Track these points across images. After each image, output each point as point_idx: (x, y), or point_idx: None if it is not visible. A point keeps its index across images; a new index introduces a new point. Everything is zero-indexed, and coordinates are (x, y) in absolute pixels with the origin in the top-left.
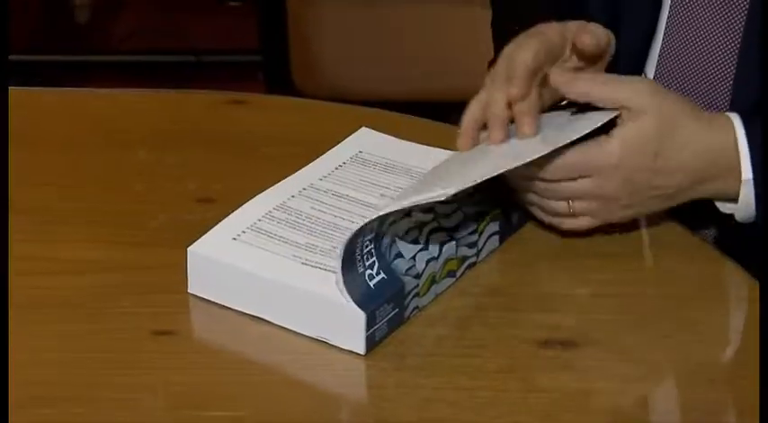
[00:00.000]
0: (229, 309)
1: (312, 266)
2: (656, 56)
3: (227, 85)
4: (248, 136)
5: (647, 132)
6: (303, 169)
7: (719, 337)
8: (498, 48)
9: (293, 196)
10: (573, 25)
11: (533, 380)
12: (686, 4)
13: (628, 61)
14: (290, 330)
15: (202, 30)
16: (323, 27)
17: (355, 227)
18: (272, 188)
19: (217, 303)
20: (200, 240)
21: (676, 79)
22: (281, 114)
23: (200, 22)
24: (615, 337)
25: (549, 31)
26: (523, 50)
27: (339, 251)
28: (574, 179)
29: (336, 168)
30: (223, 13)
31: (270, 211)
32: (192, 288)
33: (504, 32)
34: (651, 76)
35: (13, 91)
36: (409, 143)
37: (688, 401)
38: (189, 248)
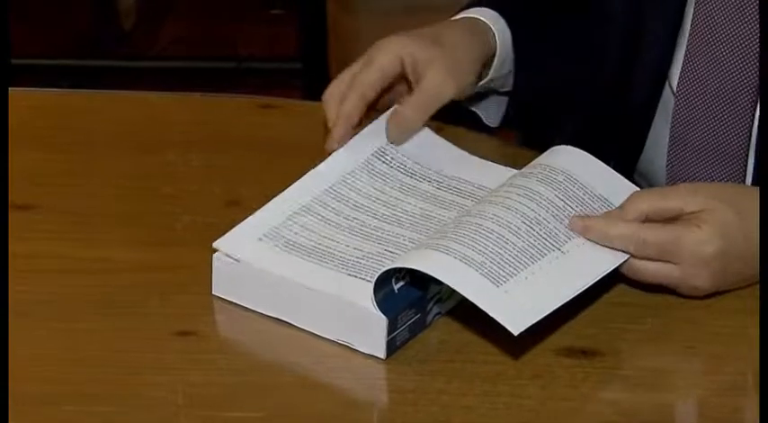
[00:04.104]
0: (252, 311)
1: (335, 271)
2: (680, 64)
3: (268, 92)
4: (276, 140)
5: (725, 217)
6: (325, 162)
7: (743, 347)
8: None
9: (316, 197)
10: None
11: (553, 387)
12: (708, 13)
13: (652, 66)
14: (312, 333)
15: (245, 37)
16: (363, 36)
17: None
18: (295, 185)
19: (240, 305)
20: (224, 239)
21: (700, 87)
22: (310, 119)
23: (243, 29)
24: (637, 347)
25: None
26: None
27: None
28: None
29: (358, 167)
30: (266, 21)
31: (294, 214)
32: (217, 290)
33: None
34: (675, 85)
35: (44, 93)
36: (434, 137)
37: (709, 412)
38: (214, 254)
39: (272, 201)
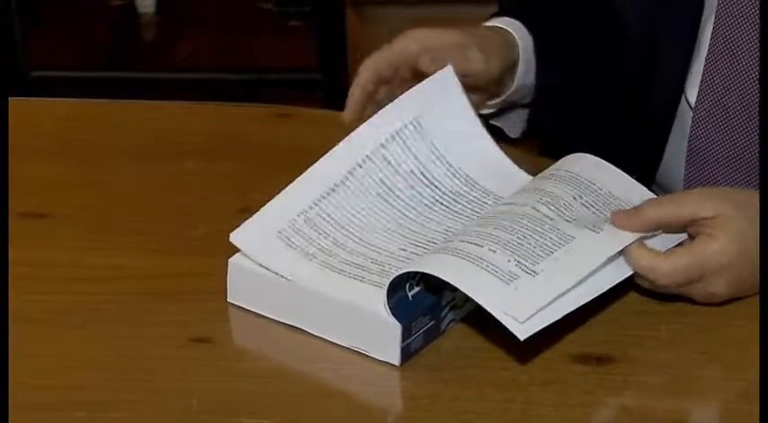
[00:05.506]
0: (267, 318)
1: (349, 277)
2: (698, 82)
3: (288, 104)
4: (292, 148)
5: (740, 224)
6: (347, 139)
7: (757, 353)
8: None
9: (331, 191)
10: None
11: (567, 394)
12: (727, 31)
13: (668, 79)
14: (327, 340)
15: (263, 49)
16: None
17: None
18: (307, 172)
19: (255, 313)
20: (240, 232)
21: (718, 103)
22: (325, 127)
23: (262, 41)
24: (651, 353)
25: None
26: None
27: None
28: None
29: (384, 143)
30: (284, 33)
31: (306, 211)
32: (232, 297)
33: None
34: (691, 99)
35: (59, 102)
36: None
37: (724, 418)
38: (230, 259)
39: (282, 194)
